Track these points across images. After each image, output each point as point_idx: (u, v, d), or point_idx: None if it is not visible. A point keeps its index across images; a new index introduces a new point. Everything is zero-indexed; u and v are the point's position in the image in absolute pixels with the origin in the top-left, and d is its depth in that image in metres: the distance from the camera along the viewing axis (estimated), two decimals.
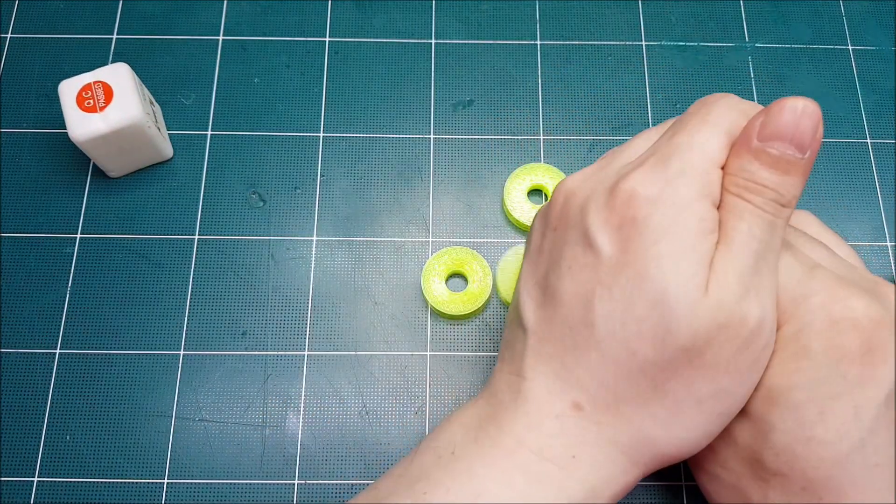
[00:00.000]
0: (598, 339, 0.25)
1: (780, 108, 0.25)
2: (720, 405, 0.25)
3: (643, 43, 0.45)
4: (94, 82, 0.37)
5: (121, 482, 0.35)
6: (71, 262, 0.39)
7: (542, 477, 0.25)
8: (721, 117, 0.26)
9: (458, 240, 0.40)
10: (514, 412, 0.26)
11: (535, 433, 0.26)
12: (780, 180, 0.25)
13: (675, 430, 0.26)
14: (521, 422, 0.26)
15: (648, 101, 0.43)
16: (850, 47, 0.45)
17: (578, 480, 0.25)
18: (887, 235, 0.40)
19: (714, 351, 0.24)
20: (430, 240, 0.40)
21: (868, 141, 0.43)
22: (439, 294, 0.38)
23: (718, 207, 0.26)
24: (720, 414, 0.26)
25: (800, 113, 0.25)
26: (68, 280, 0.39)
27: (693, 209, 0.25)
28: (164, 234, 0.40)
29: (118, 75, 0.38)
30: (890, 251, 0.40)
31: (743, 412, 0.27)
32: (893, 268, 0.39)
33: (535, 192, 0.41)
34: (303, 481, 0.35)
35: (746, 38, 0.45)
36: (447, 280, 0.39)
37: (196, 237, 0.40)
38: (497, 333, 0.38)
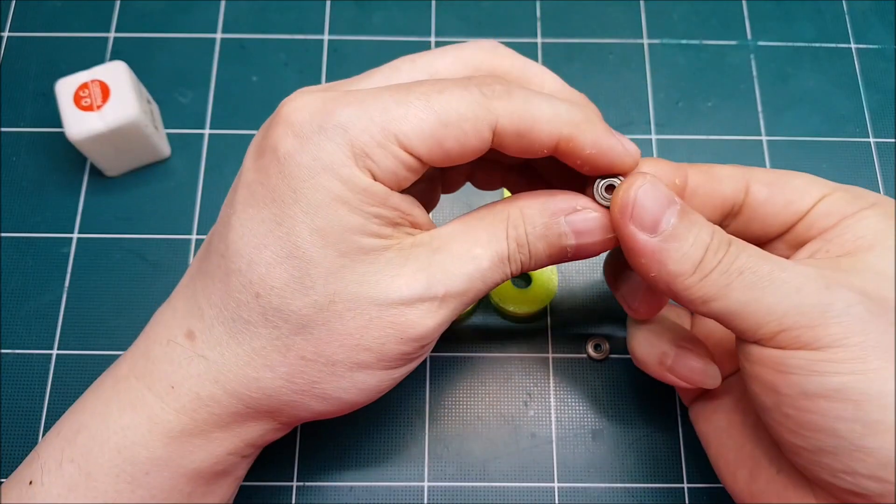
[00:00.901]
0: (227, 272, 0.24)
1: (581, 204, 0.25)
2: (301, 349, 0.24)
3: (645, 41, 0.45)
4: (92, 81, 0.37)
5: None
6: (68, 263, 0.39)
7: (137, 405, 0.24)
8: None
9: None
10: (138, 339, 0.26)
11: (144, 360, 0.25)
12: (539, 250, 0.25)
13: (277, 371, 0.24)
14: (137, 347, 0.26)
15: (650, 99, 0.43)
16: (853, 46, 0.45)
17: (176, 412, 0.24)
18: None
19: (274, 302, 0.23)
20: None
21: (871, 140, 0.42)
22: None
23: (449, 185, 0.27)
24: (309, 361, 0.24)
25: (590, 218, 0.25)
26: (65, 280, 0.39)
27: (335, 173, 0.23)
28: (162, 234, 0.40)
29: (115, 74, 0.38)
30: None
31: None
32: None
33: None
34: (302, 483, 0.35)
35: (749, 36, 0.45)
36: None
37: (194, 237, 0.40)
38: (494, 334, 0.38)
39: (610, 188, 0.25)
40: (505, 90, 0.23)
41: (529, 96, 0.23)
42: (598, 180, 0.25)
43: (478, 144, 0.23)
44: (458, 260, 0.24)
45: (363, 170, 0.23)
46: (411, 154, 0.23)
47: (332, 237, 0.23)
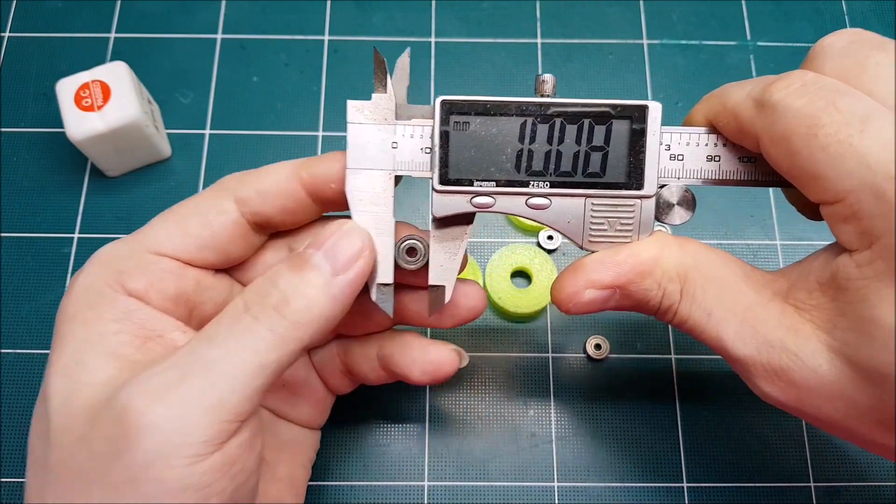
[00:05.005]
0: None
1: (331, 223, 0.25)
2: None
3: (644, 41, 0.45)
4: (92, 81, 0.37)
5: None
6: (69, 262, 0.39)
7: None
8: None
9: None
10: None
11: None
12: (294, 284, 0.23)
13: None
14: None
15: (650, 99, 0.43)
16: None
17: None
18: None
19: (78, 455, 0.22)
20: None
21: None
22: None
23: None
24: None
25: (343, 231, 0.24)
26: (66, 280, 0.39)
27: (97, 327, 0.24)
28: None
29: (116, 74, 0.38)
30: None
31: None
32: None
33: None
34: None
35: (748, 37, 0.45)
36: None
37: None
38: (492, 334, 0.38)
39: (412, 251, 0.26)
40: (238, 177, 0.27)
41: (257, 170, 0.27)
42: (398, 244, 0.26)
43: (223, 218, 0.26)
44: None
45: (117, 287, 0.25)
46: (163, 254, 0.25)
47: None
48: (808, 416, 0.24)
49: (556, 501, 0.35)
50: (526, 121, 0.25)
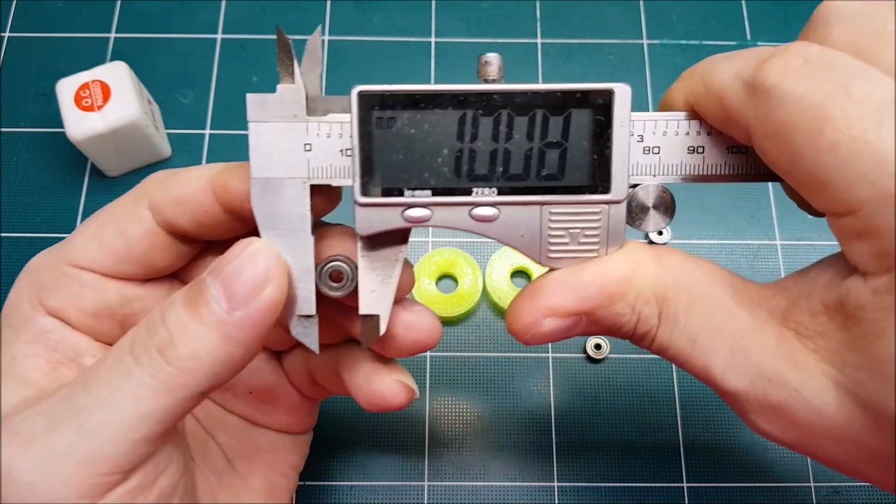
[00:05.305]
0: None
1: (236, 243, 0.21)
2: None
3: (644, 41, 0.45)
4: (92, 81, 0.37)
5: None
6: None
7: None
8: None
9: (457, 239, 0.40)
10: None
11: None
12: (182, 322, 0.20)
13: None
14: None
15: (650, 100, 0.43)
16: None
17: None
18: None
19: None
20: (430, 239, 0.40)
21: None
22: (429, 296, 0.38)
23: None
24: None
25: (246, 254, 0.20)
26: None
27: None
28: None
29: (116, 74, 0.38)
30: None
31: None
32: None
33: None
34: (302, 482, 0.35)
35: (748, 37, 0.45)
36: (438, 281, 0.39)
37: None
38: (493, 334, 0.38)
39: (337, 275, 0.22)
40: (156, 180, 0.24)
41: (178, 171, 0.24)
42: (320, 267, 0.22)
43: (138, 228, 0.23)
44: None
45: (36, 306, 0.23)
46: (81, 267, 0.23)
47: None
48: (812, 455, 0.21)
49: (556, 501, 0.35)
50: (465, 114, 0.21)
